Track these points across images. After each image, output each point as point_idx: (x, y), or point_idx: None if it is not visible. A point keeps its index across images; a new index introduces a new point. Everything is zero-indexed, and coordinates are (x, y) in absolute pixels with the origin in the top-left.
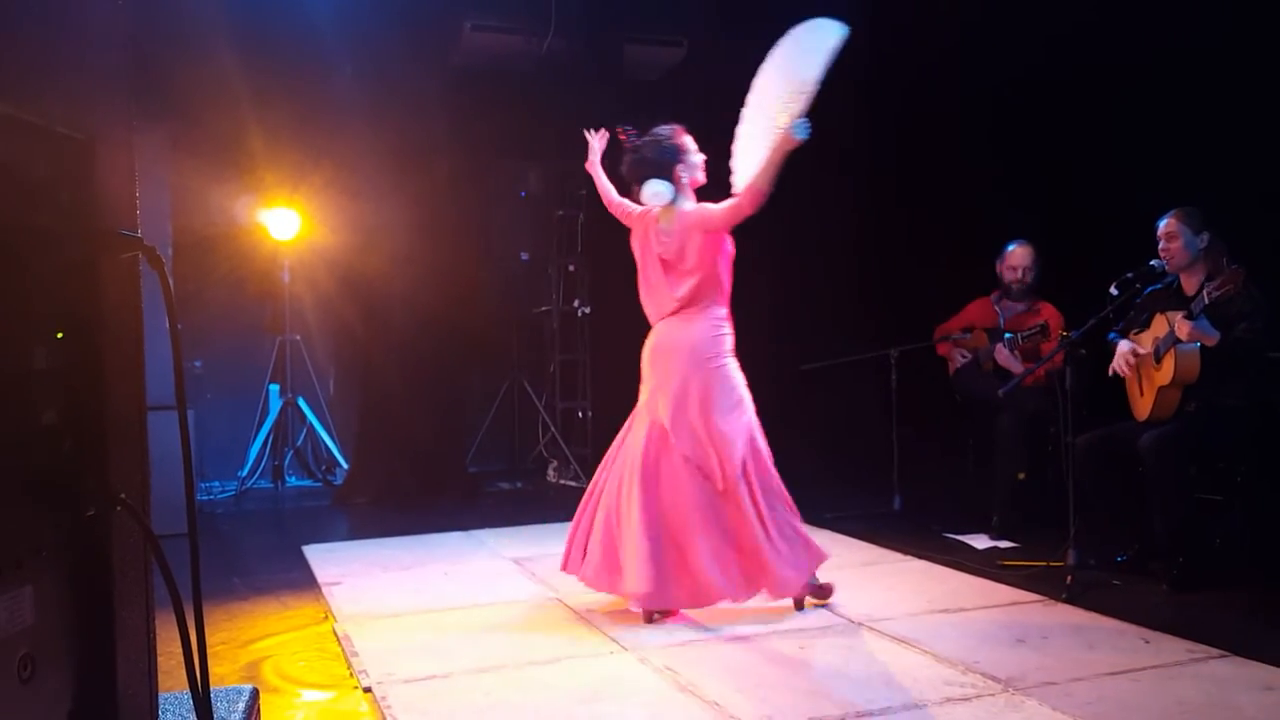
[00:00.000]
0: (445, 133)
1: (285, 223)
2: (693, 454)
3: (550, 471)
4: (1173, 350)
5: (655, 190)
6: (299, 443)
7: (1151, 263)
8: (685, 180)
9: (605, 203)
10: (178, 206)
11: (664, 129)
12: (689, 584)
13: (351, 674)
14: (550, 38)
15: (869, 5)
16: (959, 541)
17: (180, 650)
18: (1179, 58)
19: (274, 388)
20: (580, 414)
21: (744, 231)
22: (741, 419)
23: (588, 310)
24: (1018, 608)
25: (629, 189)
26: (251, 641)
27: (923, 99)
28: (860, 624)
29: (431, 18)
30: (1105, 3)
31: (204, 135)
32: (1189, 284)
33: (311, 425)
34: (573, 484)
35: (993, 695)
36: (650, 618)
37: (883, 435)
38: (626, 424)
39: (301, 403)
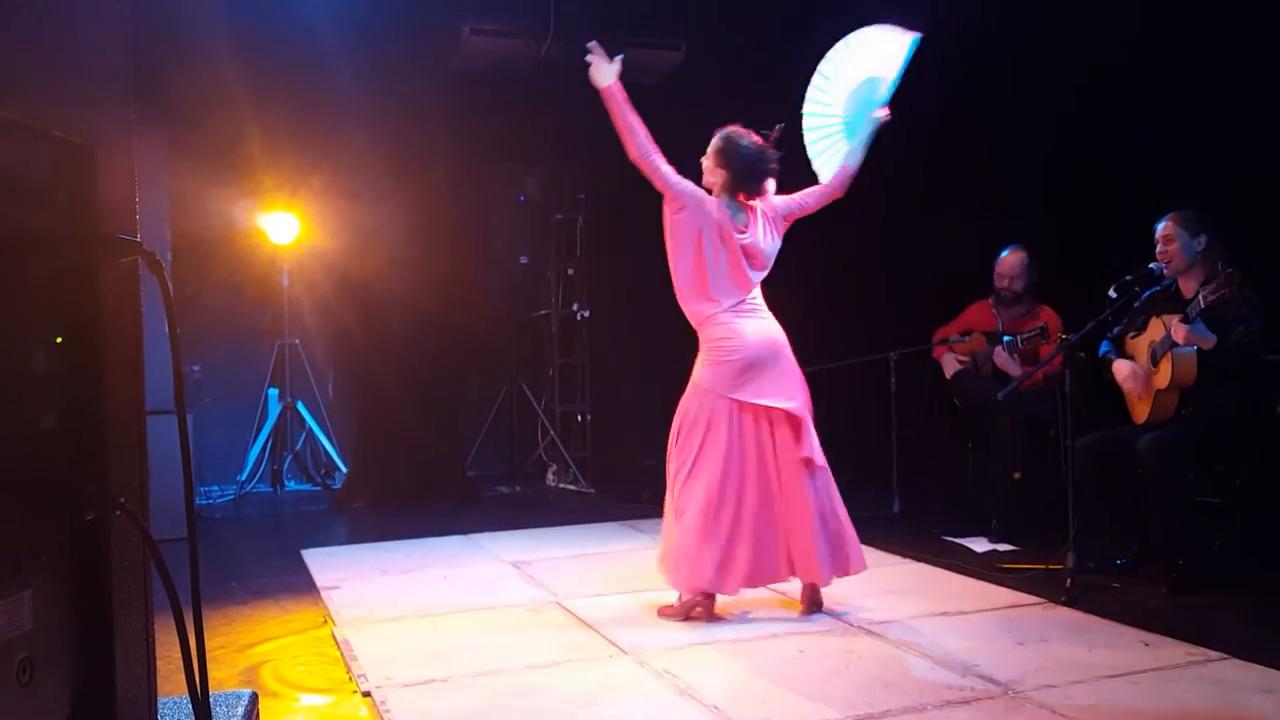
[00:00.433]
0: (444, 136)
1: (284, 227)
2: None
3: (550, 475)
4: (1170, 354)
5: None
6: (298, 447)
7: (1150, 265)
8: None
9: (632, 144)
10: (176, 211)
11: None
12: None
13: (351, 678)
14: (549, 41)
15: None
16: (958, 544)
17: (179, 654)
18: (1180, 60)
19: (273, 392)
20: (579, 417)
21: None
22: None
23: (587, 314)
24: (1017, 610)
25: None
26: (250, 646)
27: (923, 100)
28: (860, 627)
29: (430, 21)
30: (1106, 5)
31: (203, 139)
32: (1187, 287)
33: (310, 429)
34: (572, 488)
35: (992, 698)
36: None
37: (882, 438)
38: (708, 422)
39: (300, 407)
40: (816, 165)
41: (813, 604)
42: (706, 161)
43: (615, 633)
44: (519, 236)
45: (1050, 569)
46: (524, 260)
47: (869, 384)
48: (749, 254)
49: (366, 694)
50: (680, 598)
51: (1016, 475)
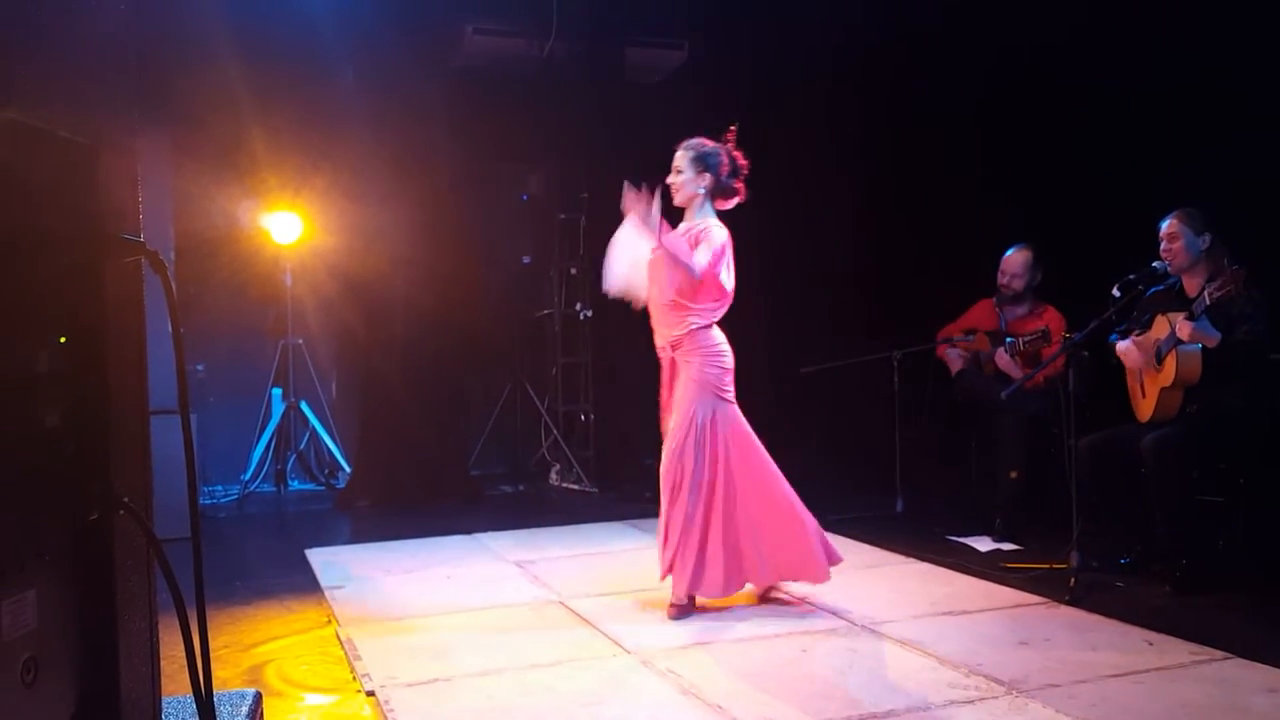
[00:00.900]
0: (447, 136)
1: (287, 226)
2: None
3: (553, 475)
4: (1174, 351)
5: None
6: (301, 446)
7: (1153, 264)
8: None
9: (692, 273)
10: (180, 211)
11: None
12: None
13: (354, 677)
14: (552, 41)
15: (870, 6)
16: (962, 544)
17: (183, 654)
18: (1182, 58)
19: (276, 391)
20: (583, 417)
21: (745, 232)
22: None
23: (590, 313)
24: (1021, 610)
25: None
26: (254, 645)
27: (925, 99)
28: (863, 626)
29: (433, 21)
30: (1107, 3)
31: (206, 139)
32: (1191, 285)
33: (314, 429)
34: (575, 487)
35: (996, 697)
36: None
37: (885, 437)
38: (713, 425)
39: (304, 406)
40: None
41: (766, 599)
42: (686, 172)
43: (618, 632)
44: (522, 236)
45: (1054, 568)
46: (527, 260)
47: (873, 383)
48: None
49: (370, 693)
50: (682, 599)
51: (1014, 474)
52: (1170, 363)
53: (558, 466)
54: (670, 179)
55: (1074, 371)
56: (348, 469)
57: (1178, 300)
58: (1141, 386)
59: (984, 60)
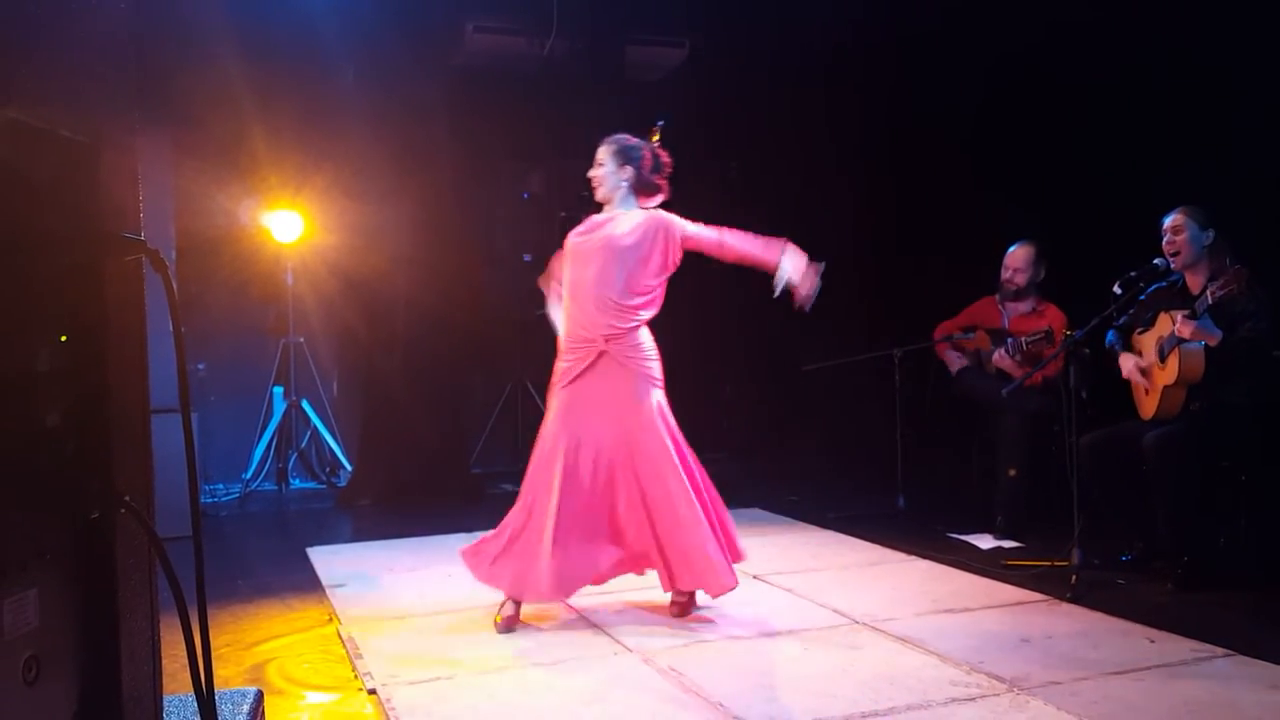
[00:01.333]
0: (447, 134)
1: (288, 225)
2: None
3: None
4: (1177, 349)
5: None
6: (303, 445)
7: (1155, 261)
8: None
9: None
10: (181, 209)
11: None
12: None
13: (356, 676)
14: (552, 39)
15: (870, 5)
16: (963, 541)
17: (185, 653)
18: (1185, 56)
19: (278, 390)
20: None
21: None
22: None
23: None
24: (1022, 607)
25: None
26: (256, 644)
27: (925, 98)
28: (864, 624)
29: (433, 19)
30: (1108, 3)
31: (207, 138)
32: (1193, 282)
33: (315, 427)
34: None
35: (997, 695)
36: None
37: (886, 435)
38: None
39: (305, 405)
40: None
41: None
42: (607, 165)
43: (619, 631)
44: (523, 234)
45: (1055, 566)
46: (528, 258)
47: (874, 381)
48: None
49: (372, 692)
50: (691, 600)
51: (1012, 472)
52: (1173, 361)
53: None
54: (592, 172)
55: (1075, 369)
56: (349, 467)
57: (1180, 297)
58: (1144, 384)
59: (984, 59)
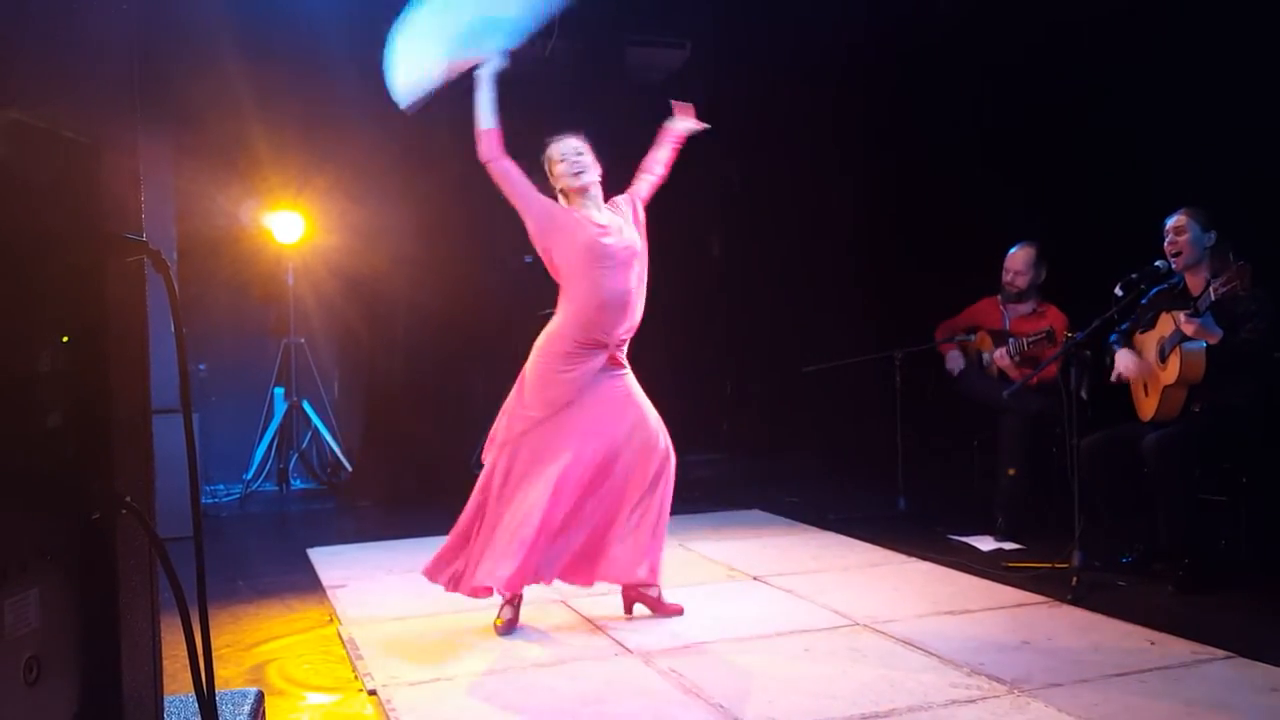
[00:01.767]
0: (448, 135)
1: (290, 226)
2: None
3: None
4: (1178, 350)
5: None
6: (304, 445)
7: (1156, 263)
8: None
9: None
10: (182, 210)
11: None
12: None
13: (356, 676)
14: (553, 39)
15: (872, 6)
16: (964, 543)
17: (185, 653)
18: (1185, 57)
19: (279, 391)
20: None
21: (748, 232)
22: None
23: None
24: (1023, 609)
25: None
26: (256, 644)
27: (926, 98)
28: (865, 625)
29: None
30: (1108, 4)
31: (208, 139)
32: (1194, 284)
33: (316, 428)
34: None
35: (998, 697)
36: None
37: (887, 436)
38: None
39: (306, 406)
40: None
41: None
42: (588, 156)
43: (620, 632)
44: (523, 235)
45: (1056, 567)
46: (529, 259)
47: (875, 382)
48: None
49: (372, 692)
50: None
51: (1011, 472)
52: (1174, 361)
53: None
54: (580, 156)
55: (1076, 371)
56: (350, 468)
57: (1181, 299)
58: (1144, 385)
59: (985, 59)
